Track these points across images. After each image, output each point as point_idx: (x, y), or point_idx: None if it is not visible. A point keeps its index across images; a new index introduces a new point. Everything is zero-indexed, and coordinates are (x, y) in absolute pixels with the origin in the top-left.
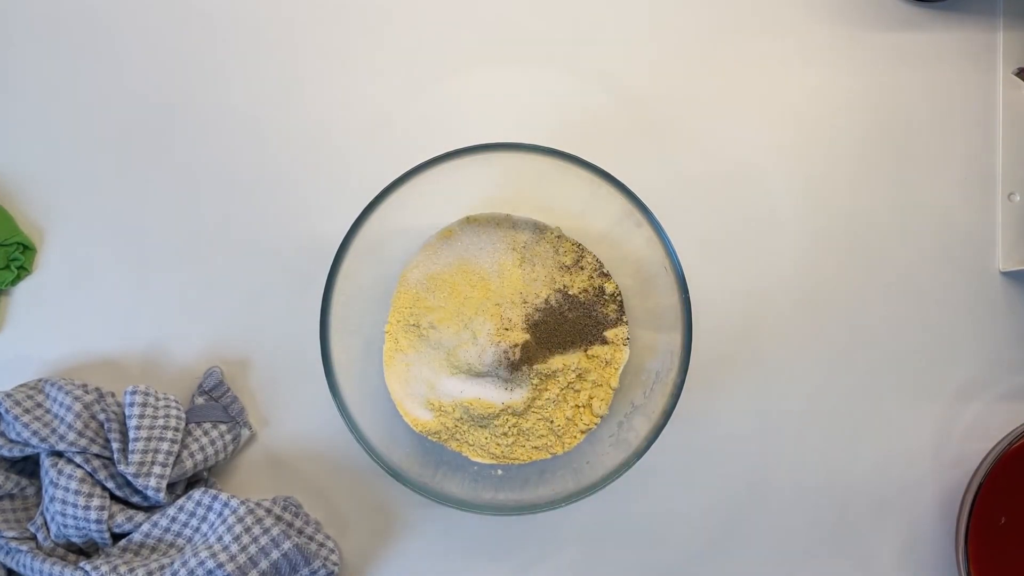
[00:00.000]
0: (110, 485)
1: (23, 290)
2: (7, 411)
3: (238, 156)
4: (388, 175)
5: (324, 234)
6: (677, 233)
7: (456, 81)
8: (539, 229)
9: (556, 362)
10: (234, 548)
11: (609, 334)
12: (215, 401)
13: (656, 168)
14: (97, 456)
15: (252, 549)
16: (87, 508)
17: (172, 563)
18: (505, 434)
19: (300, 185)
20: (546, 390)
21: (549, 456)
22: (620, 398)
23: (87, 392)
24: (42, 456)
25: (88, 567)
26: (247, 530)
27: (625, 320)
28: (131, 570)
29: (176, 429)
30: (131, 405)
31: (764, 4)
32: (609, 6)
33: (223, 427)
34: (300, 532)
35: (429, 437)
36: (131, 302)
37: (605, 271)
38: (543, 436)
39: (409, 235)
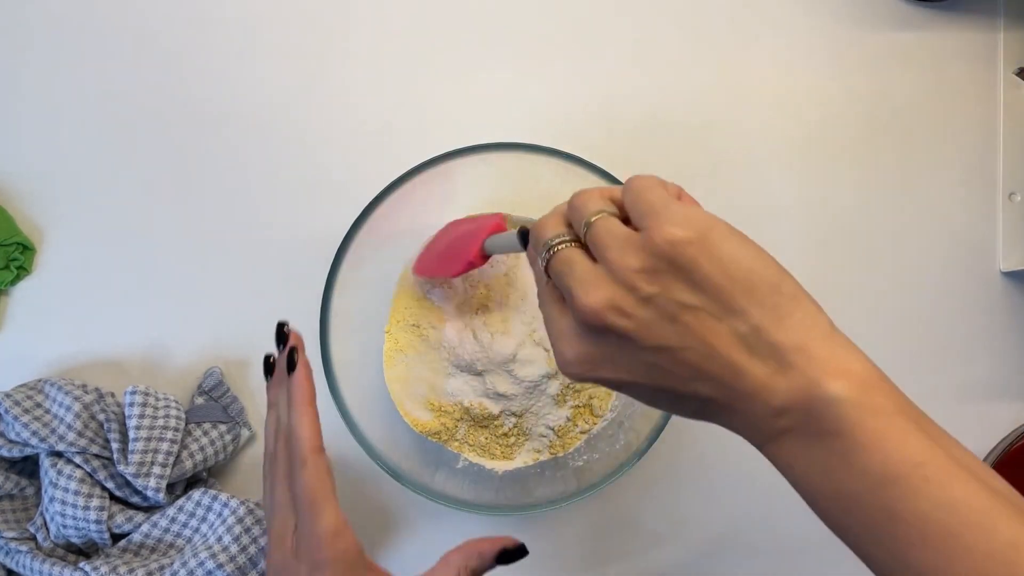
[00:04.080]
0: (110, 485)
1: (23, 290)
2: (7, 411)
3: (238, 156)
4: (388, 175)
5: (324, 234)
6: None
7: (456, 81)
8: None
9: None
10: (234, 549)
11: None
12: (215, 401)
13: (656, 168)
14: (97, 456)
15: (252, 550)
16: (87, 508)
17: (172, 563)
18: (505, 435)
19: (300, 185)
20: (546, 391)
21: (549, 457)
22: (620, 398)
23: (87, 392)
24: (42, 456)
25: (88, 567)
26: (247, 530)
27: None
28: (131, 570)
29: (176, 429)
30: (131, 405)
31: (765, 4)
32: (609, 6)
33: (223, 427)
34: None
35: (429, 438)
36: (131, 302)
37: None
38: (543, 436)
39: (409, 235)
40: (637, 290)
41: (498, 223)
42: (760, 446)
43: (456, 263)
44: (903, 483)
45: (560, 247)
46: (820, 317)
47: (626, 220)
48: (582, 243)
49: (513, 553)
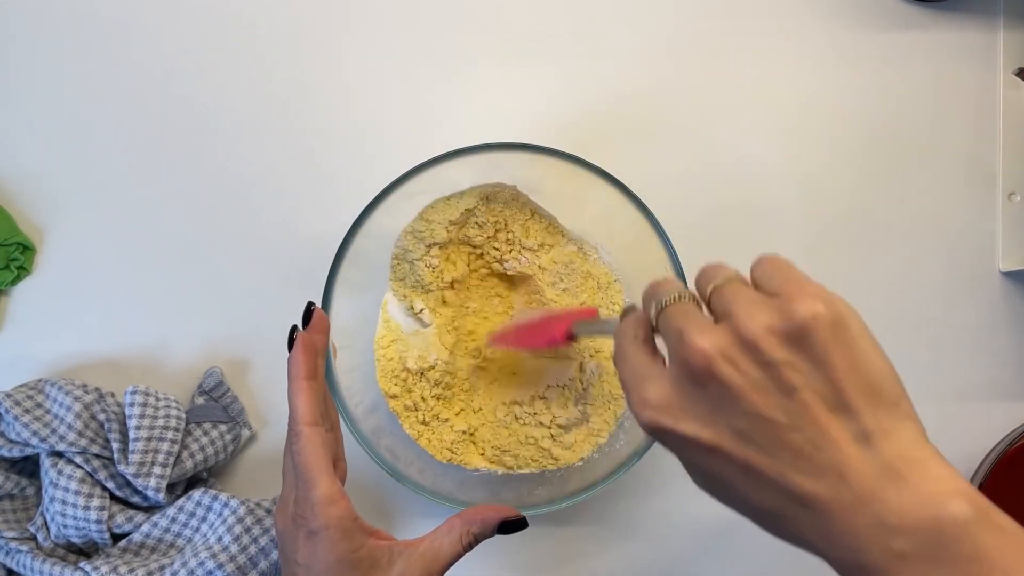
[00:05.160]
0: (110, 485)
1: (23, 290)
2: (7, 411)
3: (238, 156)
4: (388, 175)
5: (324, 234)
6: (677, 233)
7: (456, 81)
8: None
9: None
10: (234, 548)
11: None
12: (215, 401)
13: (656, 168)
14: (97, 456)
15: (252, 550)
16: (87, 508)
17: (172, 563)
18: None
19: (300, 185)
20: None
21: (549, 468)
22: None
23: (87, 392)
24: (42, 456)
25: (88, 567)
26: (247, 530)
27: None
28: (131, 570)
29: (176, 429)
30: (131, 405)
31: (764, 4)
32: (609, 6)
33: (223, 427)
34: None
35: (418, 441)
36: (131, 302)
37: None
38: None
39: (409, 235)
40: (759, 350)
41: (592, 311)
42: (859, 568)
43: (539, 338)
44: None
45: (681, 299)
46: (926, 439)
47: None
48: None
49: (514, 524)
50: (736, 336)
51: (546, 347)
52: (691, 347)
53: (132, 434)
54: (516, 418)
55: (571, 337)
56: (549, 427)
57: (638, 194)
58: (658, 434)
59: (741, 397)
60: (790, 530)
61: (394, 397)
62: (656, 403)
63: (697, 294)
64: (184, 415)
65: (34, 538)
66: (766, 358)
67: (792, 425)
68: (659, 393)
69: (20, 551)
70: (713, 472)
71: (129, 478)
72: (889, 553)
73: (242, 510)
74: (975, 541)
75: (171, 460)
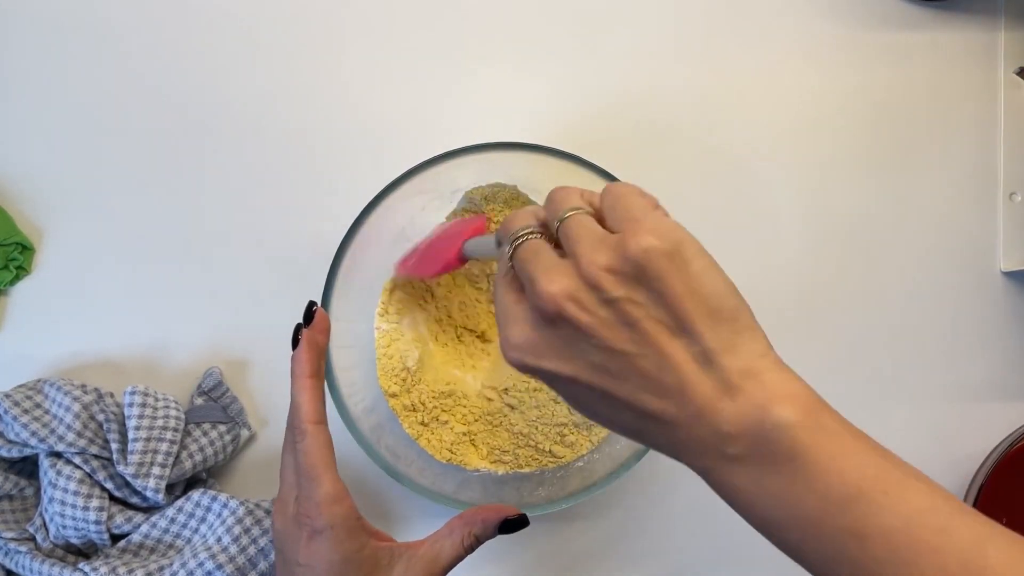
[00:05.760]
0: (109, 486)
1: (22, 290)
2: (6, 411)
3: (238, 156)
4: (388, 174)
5: (324, 234)
6: None
7: (456, 81)
8: None
9: None
10: (233, 549)
11: None
12: (214, 401)
13: (656, 168)
14: (96, 456)
15: (251, 550)
16: (86, 509)
17: (171, 564)
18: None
19: (301, 185)
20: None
21: (553, 466)
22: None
23: (86, 392)
24: (41, 457)
25: (87, 568)
26: (246, 531)
27: None
28: (130, 571)
29: (175, 429)
30: (130, 405)
31: (764, 4)
32: (609, 6)
33: (222, 427)
34: None
35: (418, 441)
36: (131, 302)
37: None
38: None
39: (409, 235)
40: (601, 289)
41: (479, 225)
42: (703, 471)
43: (434, 264)
44: (865, 500)
45: (529, 236)
46: (768, 348)
47: (601, 223)
48: (552, 239)
49: (515, 523)
50: (580, 278)
51: (443, 272)
52: (541, 294)
53: (131, 434)
54: (512, 423)
55: (463, 259)
56: (548, 427)
57: None
58: (525, 371)
59: (591, 334)
60: (652, 441)
61: (394, 396)
62: (519, 344)
63: (546, 222)
64: (183, 415)
65: (33, 539)
66: (608, 296)
67: (639, 353)
68: (521, 334)
69: (19, 552)
70: (578, 399)
71: (128, 478)
72: (723, 458)
73: (241, 511)
74: (793, 441)
75: (170, 460)
